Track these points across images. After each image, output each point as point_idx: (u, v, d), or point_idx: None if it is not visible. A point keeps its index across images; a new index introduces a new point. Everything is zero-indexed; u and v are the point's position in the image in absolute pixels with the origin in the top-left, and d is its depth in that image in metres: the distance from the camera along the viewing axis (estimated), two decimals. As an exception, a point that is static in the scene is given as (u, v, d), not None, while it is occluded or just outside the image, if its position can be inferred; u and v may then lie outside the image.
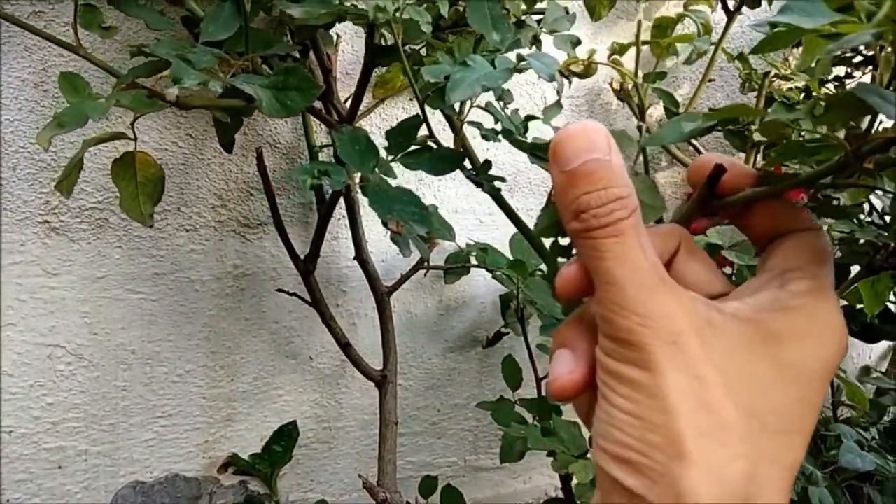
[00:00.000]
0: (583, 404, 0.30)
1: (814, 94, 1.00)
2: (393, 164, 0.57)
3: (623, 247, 0.26)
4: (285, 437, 0.97)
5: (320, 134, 0.86)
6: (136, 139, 0.58)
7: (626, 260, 0.26)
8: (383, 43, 0.60)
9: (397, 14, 0.44)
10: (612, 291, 0.26)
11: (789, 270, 0.29)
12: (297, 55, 0.64)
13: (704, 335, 0.26)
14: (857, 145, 0.37)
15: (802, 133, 0.40)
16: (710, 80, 0.99)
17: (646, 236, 0.27)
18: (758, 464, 0.25)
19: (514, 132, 0.52)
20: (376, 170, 0.54)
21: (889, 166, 0.40)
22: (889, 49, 0.34)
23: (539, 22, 0.59)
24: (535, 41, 0.59)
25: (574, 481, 0.75)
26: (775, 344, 0.27)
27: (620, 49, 0.88)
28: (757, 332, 0.27)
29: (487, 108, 0.56)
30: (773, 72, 0.98)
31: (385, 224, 0.82)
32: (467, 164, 0.57)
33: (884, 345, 1.38)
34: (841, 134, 0.38)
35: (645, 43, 0.90)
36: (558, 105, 0.52)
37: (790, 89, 1.00)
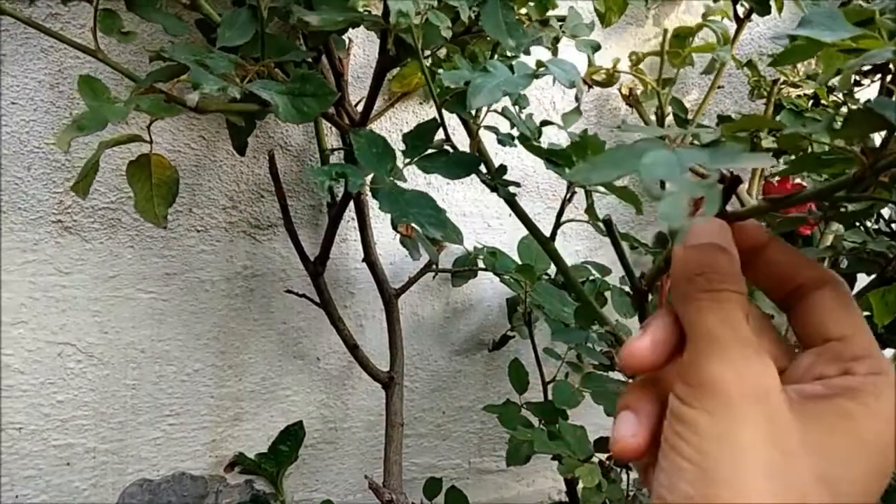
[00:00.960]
0: (644, 464, 0.31)
1: (822, 101, 1.01)
2: (404, 168, 0.58)
3: (727, 311, 0.28)
4: (291, 437, 0.97)
5: (331, 137, 0.87)
6: (151, 142, 0.58)
7: (727, 321, 0.28)
8: (395, 49, 0.61)
9: (419, 19, 0.44)
10: (707, 342, 0.28)
11: (843, 342, 0.30)
12: (311, 60, 0.65)
13: (786, 406, 0.27)
14: (873, 159, 0.37)
15: (815, 145, 0.40)
16: (718, 87, 1.00)
17: (746, 316, 0.29)
18: None
19: (530, 138, 0.53)
20: (392, 173, 0.55)
21: None
22: None
23: (561, 23, 0.59)
24: (556, 42, 0.59)
25: (580, 485, 0.76)
26: (850, 421, 0.28)
27: (638, 59, 0.89)
28: (831, 410, 0.28)
29: (504, 112, 0.56)
30: (782, 79, 0.98)
31: (394, 227, 0.82)
32: (483, 168, 0.58)
33: (889, 352, 1.38)
34: (857, 148, 0.38)
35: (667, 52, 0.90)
36: (577, 111, 0.53)
37: (798, 96, 1.00)
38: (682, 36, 0.88)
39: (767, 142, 0.82)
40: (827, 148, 0.39)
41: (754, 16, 0.94)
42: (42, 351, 0.82)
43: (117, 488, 0.90)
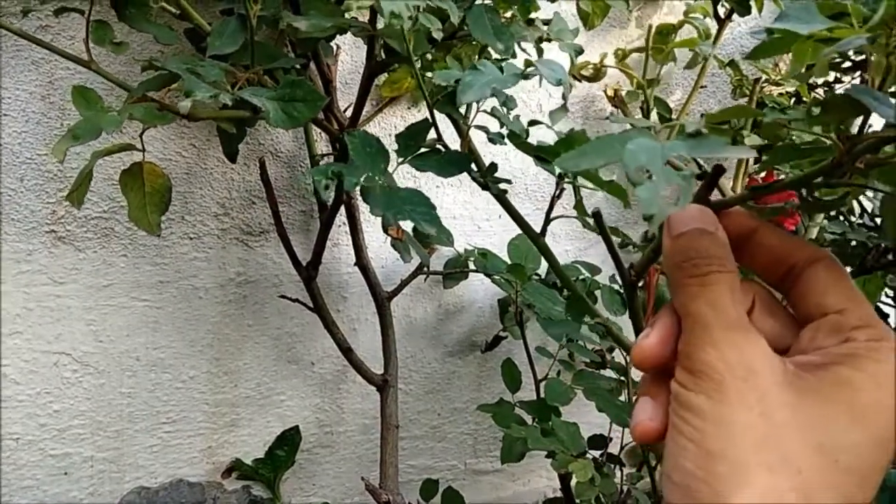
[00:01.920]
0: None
1: (804, 98, 1.03)
2: (396, 169, 0.59)
3: (714, 293, 0.29)
4: (288, 441, 0.98)
5: (320, 143, 0.87)
6: (144, 150, 0.59)
7: (715, 304, 0.29)
8: (383, 54, 0.62)
9: (410, 21, 0.45)
10: (698, 329, 0.29)
11: (842, 314, 0.30)
12: (300, 67, 0.66)
13: (778, 378, 0.28)
14: (849, 145, 0.38)
15: (794, 136, 0.41)
16: (701, 87, 1.01)
17: (739, 294, 0.30)
18: (819, 498, 0.26)
19: (519, 136, 0.54)
20: (385, 172, 0.56)
21: (879, 165, 0.42)
22: (881, 53, 0.35)
23: (546, 23, 0.61)
24: (541, 42, 0.61)
25: (573, 480, 0.77)
26: (849, 389, 0.28)
27: (623, 55, 0.90)
28: (830, 379, 0.28)
29: (493, 112, 0.58)
30: (764, 77, 1.00)
31: (385, 230, 0.83)
32: (473, 166, 0.59)
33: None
34: (833, 135, 0.40)
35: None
36: (564, 109, 0.54)
37: (780, 94, 1.02)
38: (665, 32, 0.90)
39: (750, 140, 0.84)
40: (806, 138, 0.40)
41: (735, 16, 0.97)
42: (38, 361, 0.82)
43: (115, 496, 0.90)
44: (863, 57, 0.35)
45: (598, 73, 0.81)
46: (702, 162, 0.63)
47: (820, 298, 0.31)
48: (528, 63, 0.52)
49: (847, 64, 1.06)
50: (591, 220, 0.55)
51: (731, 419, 0.27)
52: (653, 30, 0.87)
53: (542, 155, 0.52)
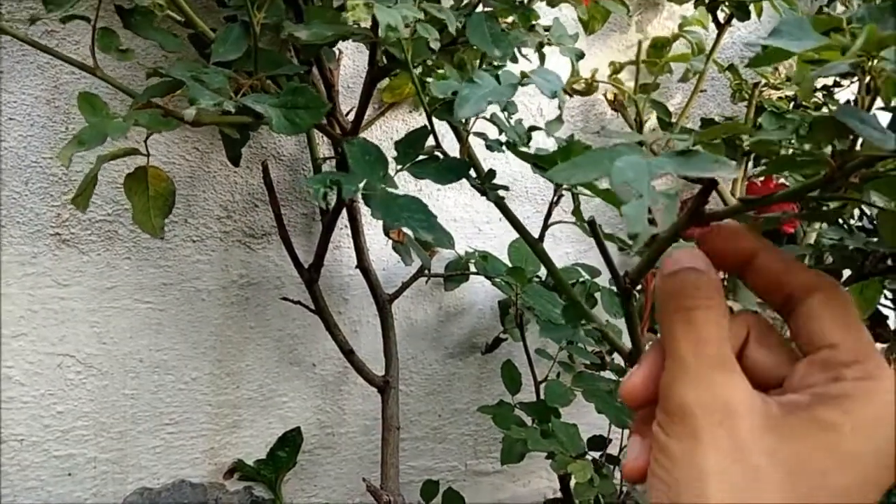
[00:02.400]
0: None
1: (803, 103, 1.03)
2: (396, 175, 0.60)
3: (697, 330, 0.29)
4: (289, 443, 0.98)
5: (323, 146, 0.88)
6: (148, 155, 0.60)
7: (695, 341, 0.29)
8: (384, 59, 0.63)
9: (408, 31, 0.46)
10: (676, 367, 0.29)
11: (834, 349, 0.29)
12: (302, 72, 0.66)
13: (757, 422, 0.27)
14: (841, 161, 0.39)
15: (791, 148, 0.42)
16: (701, 91, 1.02)
17: (725, 331, 0.29)
18: None
19: (517, 143, 0.55)
20: (384, 179, 0.57)
21: (873, 179, 0.42)
22: (868, 77, 0.36)
23: (547, 29, 0.61)
24: (541, 47, 0.61)
25: (573, 481, 0.78)
26: (834, 432, 0.27)
27: (619, 68, 0.91)
28: (814, 423, 0.27)
29: (492, 119, 0.58)
30: (763, 82, 1.00)
31: (387, 233, 0.84)
32: (472, 173, 0.60)
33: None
34: (828, 149, 0.40)
35: (643, 62, 0.93)
36: (560, 120, 0.55)
37: (780, 98, 1.02)
38: (660, 45, 0.90)
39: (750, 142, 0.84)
40: (800, 150, 0.41)
41: (735, 21, 0.97)
42: (42, 362, 0.83)
43: (118, 497, 0.91)
44: (842, 72, 0.36)
45: (590, 88, 0.82)
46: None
47: (814, 330, 0.30)
48: (524, 74, 0.53)
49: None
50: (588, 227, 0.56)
51: (704, 466, 0.26)
52: (643, 45, 0.88)
53: (540, 163, 0.53)
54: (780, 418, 0.27)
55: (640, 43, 0.86)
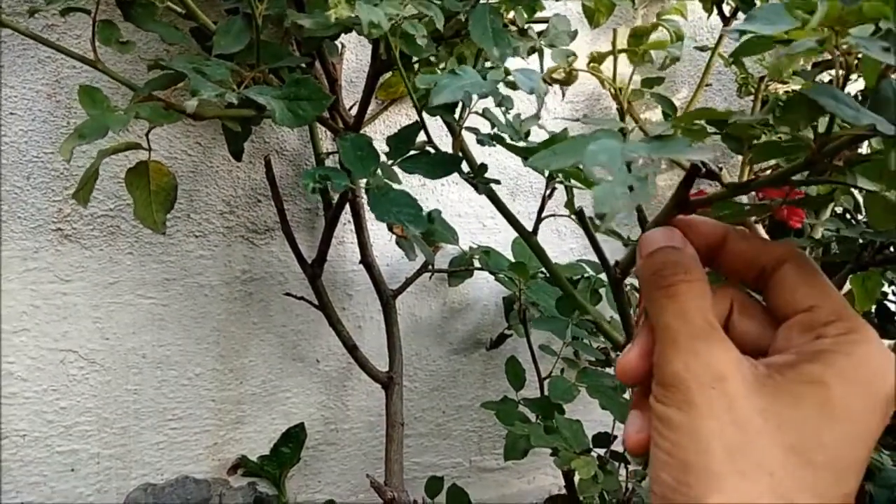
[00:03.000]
0: None
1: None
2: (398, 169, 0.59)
3: (680, 303, 0.30)
4: (293, 438, 0.98)
5: (326, 141, 0.88)
6: (150, 149, 0.60)
7: (680, 314, 0.30)
8: (386, 53, 0.62)
9: (394, 28, 0.46)
10: (665, 340, 0.30)
11: (812, 311, 0.30)
12: (305, 66, 0.66)
13: (748, 384, 0.28)
14: (820, 143, 0.38)
15: (777, 133, 0.41)
16: (707, 85, 1.01)
17: (708, 302, 0.31)
18: (796, 498, 0.27)
19: (506, 138, 0.54)
20: (378, 174, 0.56)
21: (859, 163, 0.42)
22: (834, 54, 0.35)
23: (540, 33, 0.61)
24: (532, 53, 0.61)
25: (577, 477, 0.77)
26: (819, 386, 0.28)
27: (599, 57, 0.90)
28: (800, 379, 0.28)
29: (484, 114, 0.58)
30: (769, 76, 0.99)
31: (390, 228, 0.84)
32: (466, 167, 0.59)
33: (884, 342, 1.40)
34: (809, 133, 0.39)
35: (622, 51, 0.92)
36: (536, 117, 0.55)
37: (786, 92, 1.01)
38: (639, 35, 0.90)
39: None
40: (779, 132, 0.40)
41: (740, 13, 0.96)
42: (44, 358, 0.83)
43: (122, 493, 0.90)
44: (807, 48, 0.35)
45: (569, 77, 0.81)
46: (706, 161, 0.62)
47: (790, 297, 0.31)
48: (506, 71, 0.52)
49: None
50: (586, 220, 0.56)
51: (701, 429, 0.28)
52: (618, 34, 0.87)
53: (529, 155, 0.52)
54: (769, 378, 0.29)
55: (615, 31, 0.86)
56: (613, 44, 0.83)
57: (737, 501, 0.26)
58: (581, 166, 0.30)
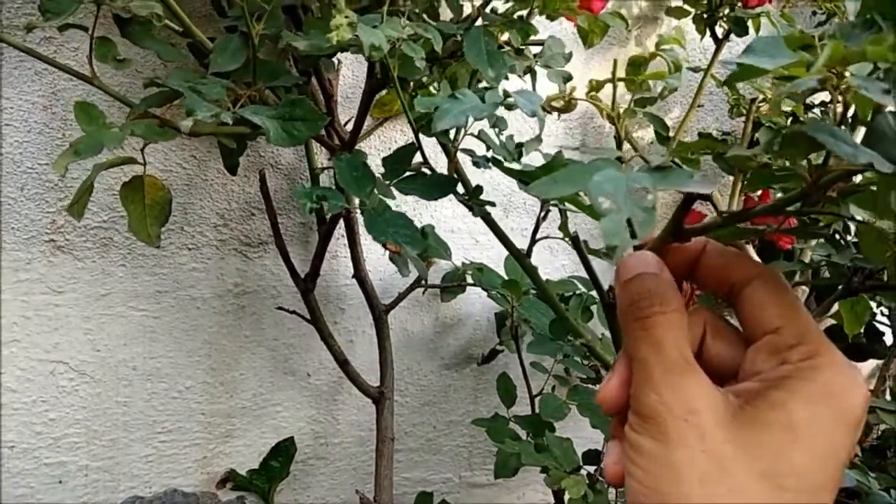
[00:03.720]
0: None
1: (800, 118, 1.03)
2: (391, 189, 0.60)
3: (656, 336, 0.30)
4: (282, 452, 0.98)
5: (320, 156, 0.88)
6: (145, 164, 0.60)
7: (656, 347, 0.30)
8: (382, 72, 0.63)
9: (392, 50, 0.46)
10: (641, 372, 0.30)
11: (777, 333, 0.30)
12: (301, 83, 0.66)
13: (719, 413, 0.29)
14: (817, 176, 0.39)
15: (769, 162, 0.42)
16: (699, 106, 1.02)
17: (683, 332, 0.31)
18: None
19: (503, 160, 0.55)
20: (375, 193, 0.57)
21: (852, 193, 0.42)
22: (835, 92, 0.36)
23: (536, 55, 0.61)
24: (528, 73, 0.61)
25: (566, 496, 0.77)
26: (783, 412, 0.28)
27: (597, 85, 0.92)
28: (764, 405, 0.29)
29: (480, 136, 0.58)
30: (761, 97, 1.01)
31: (384, 245, 0.84)
32: (461, 188, 0.60)
33: (872, 363, 1.40)
34: (804, 164, 0.40)
35: (620, 80, 0.93)
36: (538, 139, 0.55)
37: (777, 114, 1.03)
38: (637, 64, 0.91)
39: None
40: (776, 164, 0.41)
41: (733, 36, 0.98)
42: (34, 369, 0.83)
43: (109, 506, 0.90)
44: (808, 88, 0.36)
45: (568, 105, 0.82)
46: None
47: (758, 317, 0.31)
48: (506, 94, 0.53)
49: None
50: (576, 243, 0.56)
51: (674, 459, 0.28)
52: (618, 63, 0.89)
53: (525, 179, 0.53)
54: (738, 408, 0.29)
55: (615, 61, 0.88)
56: (613, 73, 0.84)
57: None
58: (580, 194, 0.31)
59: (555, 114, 0.86)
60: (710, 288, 0.34)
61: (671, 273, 0.33)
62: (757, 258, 0.95)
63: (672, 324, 0.31)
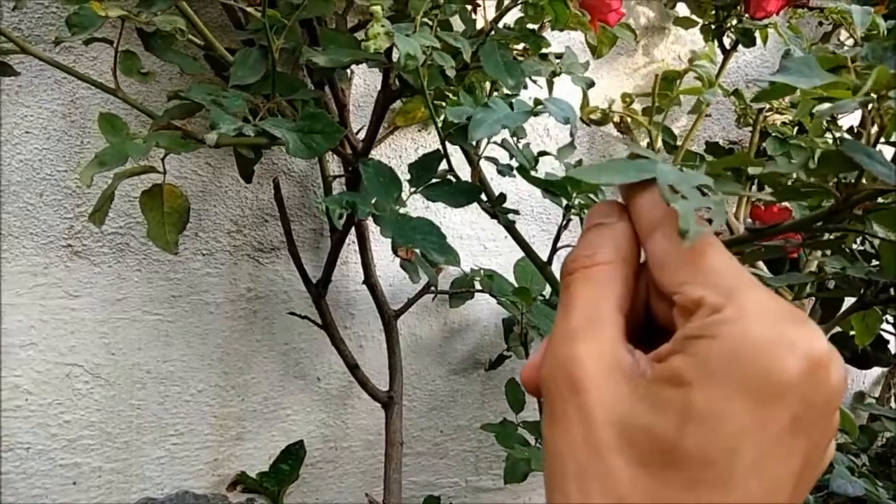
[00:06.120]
0: None
1: (807, 128, 1.04)
2: (409, 197, 0.61)
3: (569, 297, 0.26)
4: (292, 456, 0.99)
5: (332, 164, 0.89)
6: (165, 173, 0.61)
7: (565, 307, 0.26)
8: (397, 83, 0.64)
9: (427, 61, 0.47)
10: (549, 340, 0.26)
11: (684, 287, 0.25)
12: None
13: (611, 391, 0.24)
14: (846, 194, 0.40)
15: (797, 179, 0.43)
16: (706, 115, 1.03)
17: (606, 289, 0.26)
18: None
19: (528, 168, 0.56)
20: (402, 199, 0.58)
21: (876, 210, 0.43)
22: (874, 114, 0.37)
23: (559, 60, 0.63)
24: (554, 76, 0.63)
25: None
26: (679, 384, 0.23)
27: (631, 100, 0.93)
28: (662, 376, 0.24)
29: (503, 144, 0.59)
30: (767, 107, 1.02)
31: (395, 251, 0.85)
32: (483, 196, 0.61)
33: (877, 370, 1.41)
34: (832, 183, 0.41)
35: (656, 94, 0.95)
36: (572, 146, 0.56)
37: (784, 124, 1.03)
38: (671, 79, 0.93)
39: (754, 169, 0.85)
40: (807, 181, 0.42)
41: (740, 46, 0.99)
42: (50, 372, 0.84)
43: (122, 507, 0.91)
44: (851, 111, 0.37)
45: (605, 117, 0.84)
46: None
47: (659, 276, 0.26)
48: (537, 101, 0.54)
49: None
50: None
51: (557, 444, 0.25)
52: (658, 78, 0.90)
53: (550, 188, 0.54)
54: (640, 380, 0.24)
55: (657, 77, 0.89)
56: (654, 89, 0.86)
57: None
58: (615, 183, 0.30)
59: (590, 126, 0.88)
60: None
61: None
62: (762, 265, 0.96)
63: (592, 279, 0.26)
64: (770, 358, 0.22)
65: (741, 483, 0.22)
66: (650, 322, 0.28)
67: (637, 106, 0.98)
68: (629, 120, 1.01)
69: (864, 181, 0.41)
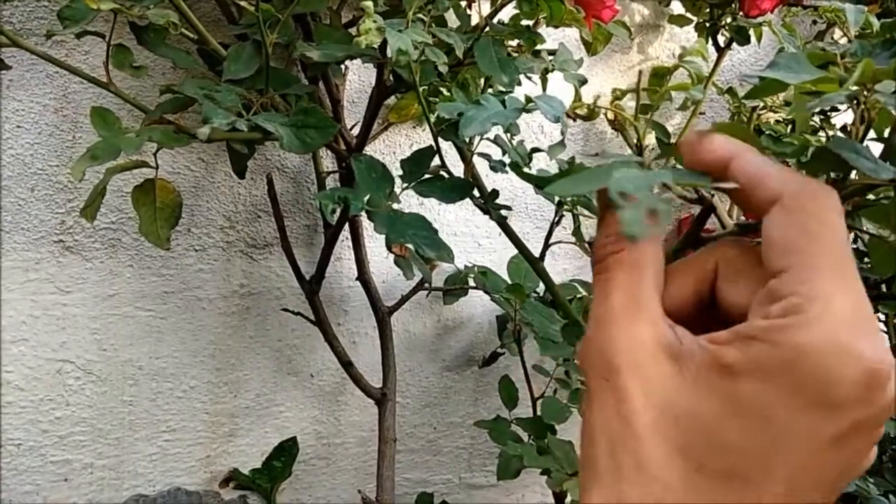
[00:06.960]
0: None
1: (797, 123, 1.05)
2: (401, 192, 0.61)
3: (603, 282, 0.27)
4: (285, 452, 0.99)
5: (326, 159, 0.89)
6: (157, 167, 0.61)
7: (603, 294, 0.26)
8: (391, 78, 0.64)
9: (416, 54, 0.47)
10: (588, 324, 0.27)
11: (780, 276, 0.24)
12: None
13: (651, 373, 0.24)
14: (836, 190, 0.40)
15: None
16: (700, 113, 1.03)
17: (644, 273, 0.26)
18: None
19: (521, 165, 0.56)
20: (394, 194, 0.58)
21: (865, 207, 0.44)
22: (861, 109, 0.37)
23: (552, 57, 0.63)
24: (547, 73, 0.63)
25: (568, 498, 0.78)
26: (729, 378, 0.23)
27: (621, 94, 0.93)
28: (713, 365, 0.23)
29: (496, 141, 0.59)
30: (761, 105, 1.02)
31: (389, 248, 0.85)
32: (475, 192, 0.61)
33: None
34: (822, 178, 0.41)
35: (643, 90, 0.94)
36: (562, 144, 0.56)
37: (777, 122, 1.04)
38: (661, 74, 0.92)
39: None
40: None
41: (735, 44, 0.99)
42: (42, 368, 0.84)
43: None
44: (837, 103, 0.38)
45: (592, 113, 0.84)
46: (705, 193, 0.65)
47: (767, 252, 0.25)
48: (528, 98, 0.54)
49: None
50: (588, 248, 0.57)
51: (591, 423, 0.25)
52: (643, 75, 0.90)
53: (542, 184, 0.54)
54: (681, 360, 0.24)
55: (640, 73, 0.89)
56: (637, 84, 0.86)
57: (614, 502, 0.24)
58: (590, 191, 0.30)
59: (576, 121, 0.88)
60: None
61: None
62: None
63: (623, 262, 0.26)
64: (832, 369, 0.22)
65: (775, 484, 0.22)
66: (701, 300, 0.27)
67: (630, 103, 0.98)
68: (624, 123, 1.01)
69: (854, 177, 0.41)
